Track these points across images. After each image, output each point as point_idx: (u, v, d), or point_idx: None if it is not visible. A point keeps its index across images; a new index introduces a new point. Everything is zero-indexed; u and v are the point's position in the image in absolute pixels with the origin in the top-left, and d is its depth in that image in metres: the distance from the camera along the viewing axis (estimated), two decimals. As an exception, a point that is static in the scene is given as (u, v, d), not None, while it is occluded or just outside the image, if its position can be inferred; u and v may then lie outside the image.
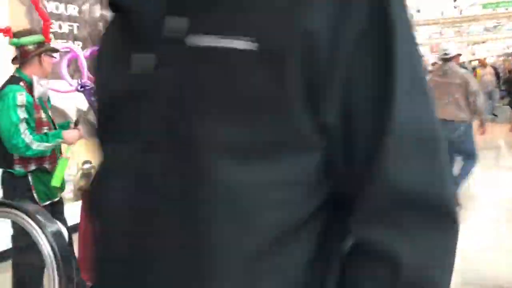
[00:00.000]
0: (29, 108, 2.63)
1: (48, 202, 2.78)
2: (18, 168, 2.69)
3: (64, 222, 2.96)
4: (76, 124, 3.02)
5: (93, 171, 4.75)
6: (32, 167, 2.70)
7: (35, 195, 2.72)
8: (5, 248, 3.38)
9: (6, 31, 2.77)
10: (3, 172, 2.75)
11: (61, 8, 4.47)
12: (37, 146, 2.59)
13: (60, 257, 1.96)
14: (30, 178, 2.71)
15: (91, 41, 4.53)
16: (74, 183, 5.02)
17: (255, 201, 0.51)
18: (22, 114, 2.57)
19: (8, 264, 3.26)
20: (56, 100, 3.35)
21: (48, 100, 2.91)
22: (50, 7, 4.30)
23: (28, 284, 2.71)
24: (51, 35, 2.95)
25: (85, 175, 3.55)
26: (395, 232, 0.51)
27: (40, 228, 2.16)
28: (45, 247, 2.15)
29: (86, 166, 3.90)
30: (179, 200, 0.52)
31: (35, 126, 2.67)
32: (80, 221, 3.45)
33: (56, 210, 2.88)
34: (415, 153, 0.51)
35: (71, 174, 4.93)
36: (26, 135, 2.55)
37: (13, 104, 2.55)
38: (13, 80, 2.70)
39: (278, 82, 0.49)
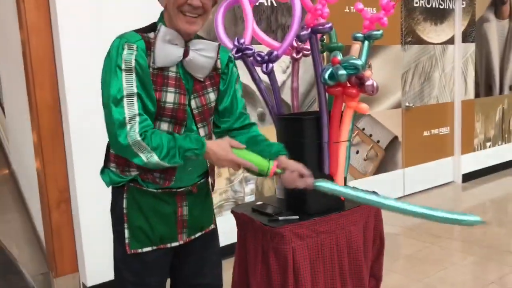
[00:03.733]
0: (142, 75, 1.44)
1: (149, 249, 1.57)
2: (112, 169, 1.58)
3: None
4: None
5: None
6: (131, 174, 1.54)
7: (126, 232, 1.55)
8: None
9: None
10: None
11: None
12: (148, 155, 1.42)
13: None
14: (124, 200, 1.55)
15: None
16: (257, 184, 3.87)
17: None
18: (129, 85, 1.41)
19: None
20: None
21: (190, 77, 1.55)
22: None
23: None
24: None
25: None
26: None
27: None
28: None
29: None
30: None
31: (154, 111, 1.48)
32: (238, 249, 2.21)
33: (186, 259, 1.69)
34: None
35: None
36: (135, 130, 1.41)
37: (114, 65, 1.42)
38: (147, 27, 1.53)
39: None
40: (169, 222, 1.57)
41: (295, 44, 2.23)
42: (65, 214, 2.87)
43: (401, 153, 4.90)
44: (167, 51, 1.46)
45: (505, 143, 6.02)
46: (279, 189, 2.33)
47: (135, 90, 1.41)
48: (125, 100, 1.39)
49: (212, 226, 1.77)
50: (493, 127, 5.84)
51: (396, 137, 4.83)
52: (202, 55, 1.52)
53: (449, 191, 5.30)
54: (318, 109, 2.38)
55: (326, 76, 1.89)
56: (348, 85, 1.95)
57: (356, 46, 2.26)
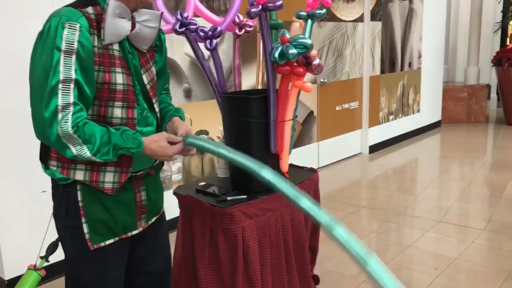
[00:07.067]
0: (86, 57, 1.30)
1: (111, 241, 1.47)
2: (54, 169, 1.41)
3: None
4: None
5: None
6: (79, 172, 1.40)
7: (84, 227, 1.42)
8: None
9: None
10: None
11: None
12: (78, 148, 1.31)
13: None
14: (78, 192, 1.41)
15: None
16: (184, 162, 3.78)
17: None
18: (67, 69, 1.26)
19: None
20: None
21: (135, 50, 1.48)
22: None
23: None
24: None
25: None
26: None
27: None
28: None
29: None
30: None
31: (98, 96, 1.36)
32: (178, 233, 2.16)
33: (141, 248, 1.62)
34: None
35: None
36: (67, 121, 1.27)
37: (51, 46, 1.27)
38: (81, 1, 1.38)
39: None
40: (131, 209, 1.49)
41: (237, 20, 2.17)
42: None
43: (316, 127, 5.09)
44: (117, 26, 1.36)
45: (405, 116, 6.53)
46: (221, 168, 2.30)
47: (73, 76, 1.27)
48: (60, 86, 1.25)
49: (163, 209, 1.72)
50: (395, 101, 6.29)
51: (312, 112, 5.00)
52: (148, 26, 1.45)
53: (358, 161, 5.65)
54: (255, 88, 2.37)
55: (277, 54, 1.87)
56: (295, 64, 1.96)
57: (296, 25, 2.26)
